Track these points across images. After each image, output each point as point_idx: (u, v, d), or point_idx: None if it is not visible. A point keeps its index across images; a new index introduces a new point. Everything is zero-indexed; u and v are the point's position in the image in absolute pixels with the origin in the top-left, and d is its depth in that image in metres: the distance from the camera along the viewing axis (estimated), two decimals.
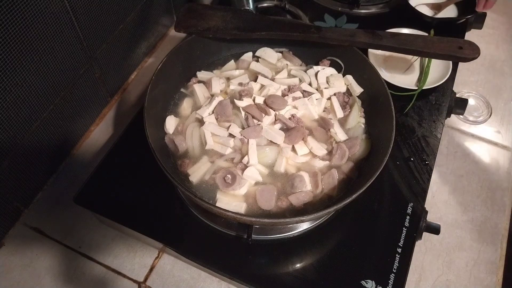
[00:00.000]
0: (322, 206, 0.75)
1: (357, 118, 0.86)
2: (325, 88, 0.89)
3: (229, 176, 0.74)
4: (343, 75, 0.92)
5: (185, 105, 0.88)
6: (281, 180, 0.78)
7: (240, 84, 0.89)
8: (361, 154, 0.81)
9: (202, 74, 0.92)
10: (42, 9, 0.71)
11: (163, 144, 0.81)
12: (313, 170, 0.79)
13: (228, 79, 0.91)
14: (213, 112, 0.83)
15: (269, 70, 0.92)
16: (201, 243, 0.77)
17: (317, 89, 0.90)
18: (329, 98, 0.89)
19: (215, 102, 0.83)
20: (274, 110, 0.84)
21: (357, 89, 0.89)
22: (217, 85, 0.88)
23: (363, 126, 0.86)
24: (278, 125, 0.83)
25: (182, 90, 0.89)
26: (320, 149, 0.80)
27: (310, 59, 0.95)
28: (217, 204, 0.74)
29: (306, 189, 0.76)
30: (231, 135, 0.80)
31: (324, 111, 0.87)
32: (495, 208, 0.93)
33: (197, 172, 0.78)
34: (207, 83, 0.90)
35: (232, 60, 0.95)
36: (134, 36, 1.04)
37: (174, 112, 0.86)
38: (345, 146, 0.80)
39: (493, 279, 0.84)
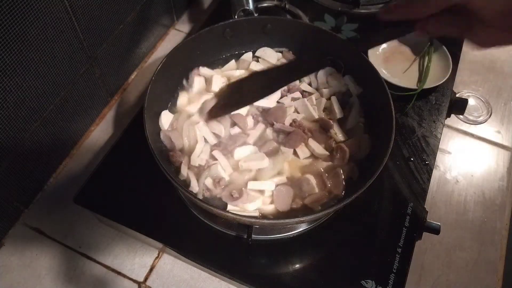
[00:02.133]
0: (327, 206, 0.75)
1: (357, 118, 0.86)
2: (324, 88, 0.89)
3: (235, 191, 0.74)
4: (343, 75, 0.92)
5: (181, 100, 0.87)
6: (290, 185, 0.78)
7: None
8: (362, 154, 0.81)
9: (204, 70, 0.91)
10: (42, 9, 0.71)
11: (163, 145, 0.81)
12: (317, 171, 0.79)
13: (228, 79, 0.91)
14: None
15: None
16: (201, 243, 0.77)
17: (317, 89, 0.90)
18: (328, 98, 0.89)
19: (201, 100, 0.83)
20: (276, 122, 0.83)
21: (357, 89, 0.89)
22: (218, 84, 0.88)
23: (363, 126, 0.86)
24: (270, 131, 0.82)
25: (184, 82, 0.89)
26: (322, 151, 0.80)
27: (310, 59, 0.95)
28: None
29: (315, 191, 0.76)
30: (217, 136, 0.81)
31: (323, 111, 0.87)
32: (495, 208, 0.93)
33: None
34: (208, 80, 0.89)
35: (233, 60, 0.95)
36: (134, 36, 1.04)
37: (171, 109, 0.86)
38: (345, 147, 0.80)
39: (493, 279, 0.84)
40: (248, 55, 0.95)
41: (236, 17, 0.95)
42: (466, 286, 0.83)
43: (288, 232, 0.78)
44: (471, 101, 1.10)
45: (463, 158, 1.00)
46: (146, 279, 0.82)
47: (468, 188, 0.96)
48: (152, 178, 0.80)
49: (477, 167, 0.99)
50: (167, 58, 0.82)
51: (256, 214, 0.74)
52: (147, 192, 0.82)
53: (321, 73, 0.92)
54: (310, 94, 0.88)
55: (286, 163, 0.79)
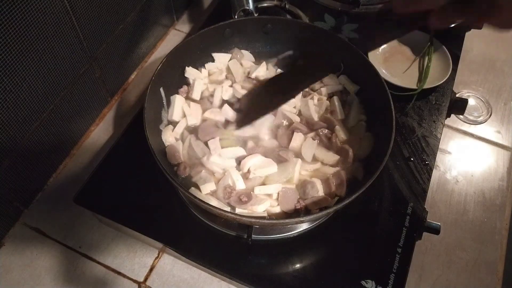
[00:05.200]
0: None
1: (357, 116, 0.86)
2: (321, 87, 0.90)
3: (244, 195, 0.74)
4: (343, 75, 0.92)
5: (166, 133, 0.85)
6: (296, 187, 0.78)
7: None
8: (363, 152, 0.81)
9: (190, 71, 0.90)
10: (42, 9, 0.71)
11: (162, 145, 0.81)
12: (325, 176, 0.78)
13: (209, 74, 0.92)
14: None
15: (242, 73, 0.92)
16: (201, 243, 0.77)
17: (312, 89, 0.90)
18: (328, 99, 0.89)
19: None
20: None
21: (353, 87, 0.90)
22: (200, 88, 0.88)
23: (364, 124, 0.86)
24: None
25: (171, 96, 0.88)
26: (331, 156, 0.80)
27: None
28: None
29: (318, 195, 0.76)
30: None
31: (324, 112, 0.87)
32: (495, 208, 0.93)
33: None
34: (190, 86, 0.89)
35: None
36: (134, 36, 1.04)
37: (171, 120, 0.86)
38: (347, 146, 0.80)
39: (493, 279, 0.84)
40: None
41: (236, 17, 0.95)
42: (466, 286, 0.83)
43: (288, 232, 0.78)
44: (471, 101, 1.10)
45: (463, 158, 1.00)
46: (146, 279, 0.82)
47: (468, 188, 0.96)
48: (152, 178, 0.80)
49: (477, 167, 0.99)
50: (167, 58, 0.82)
51: (265, 215, 0.74)
52: (147, 192, 0.82)
53: None
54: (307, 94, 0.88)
55: (296, 170, 0.78)
